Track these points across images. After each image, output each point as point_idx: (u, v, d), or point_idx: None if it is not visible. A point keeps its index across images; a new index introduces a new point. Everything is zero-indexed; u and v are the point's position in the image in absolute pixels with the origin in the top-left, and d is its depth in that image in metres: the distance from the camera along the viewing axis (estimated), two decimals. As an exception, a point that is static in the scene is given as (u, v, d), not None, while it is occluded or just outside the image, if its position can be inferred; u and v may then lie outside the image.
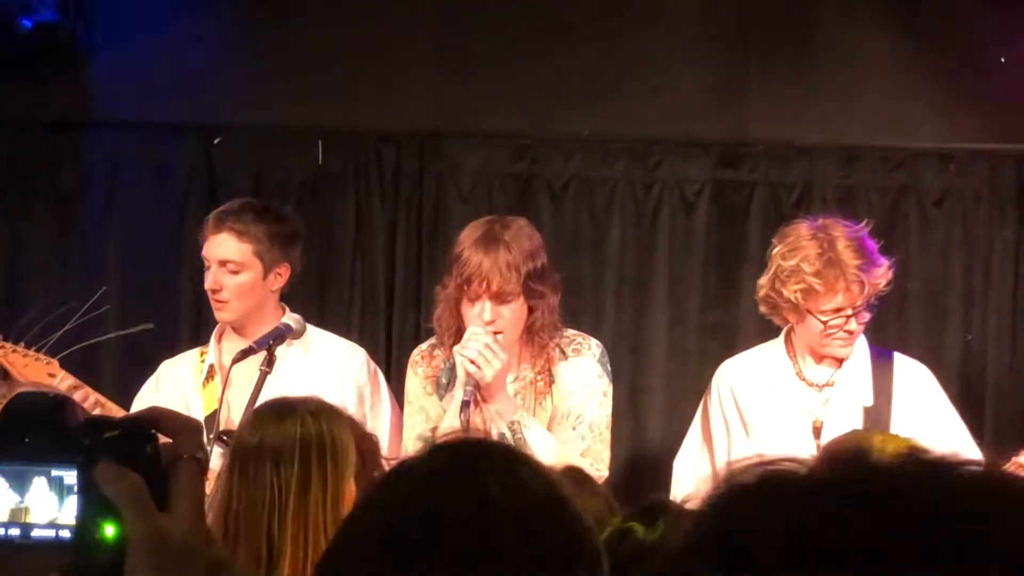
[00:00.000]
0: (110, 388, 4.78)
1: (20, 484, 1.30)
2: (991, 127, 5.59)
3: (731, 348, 4.94)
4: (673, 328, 5.66)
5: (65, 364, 4.50)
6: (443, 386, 4.38)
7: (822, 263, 4.24)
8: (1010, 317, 5.61)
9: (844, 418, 4.31)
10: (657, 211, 5.70)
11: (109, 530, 1.27)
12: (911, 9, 5.66)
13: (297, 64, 5.76)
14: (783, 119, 5.68)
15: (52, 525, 1.30)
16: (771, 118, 5.68)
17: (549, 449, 4.11)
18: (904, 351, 4.61)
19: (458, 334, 4.22)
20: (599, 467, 4.26)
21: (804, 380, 4.44)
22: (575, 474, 3.28)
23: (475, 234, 4.21)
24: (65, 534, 1.29)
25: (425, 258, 5.70)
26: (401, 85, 5.75)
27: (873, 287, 4.28)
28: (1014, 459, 4.22)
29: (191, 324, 5.60)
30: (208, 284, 4.44)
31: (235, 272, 4.41)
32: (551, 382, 4.32)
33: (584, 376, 4.32)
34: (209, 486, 3.00)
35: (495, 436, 3.99)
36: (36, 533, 1.30)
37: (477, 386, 4.13)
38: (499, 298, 4.17)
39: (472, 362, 4.10)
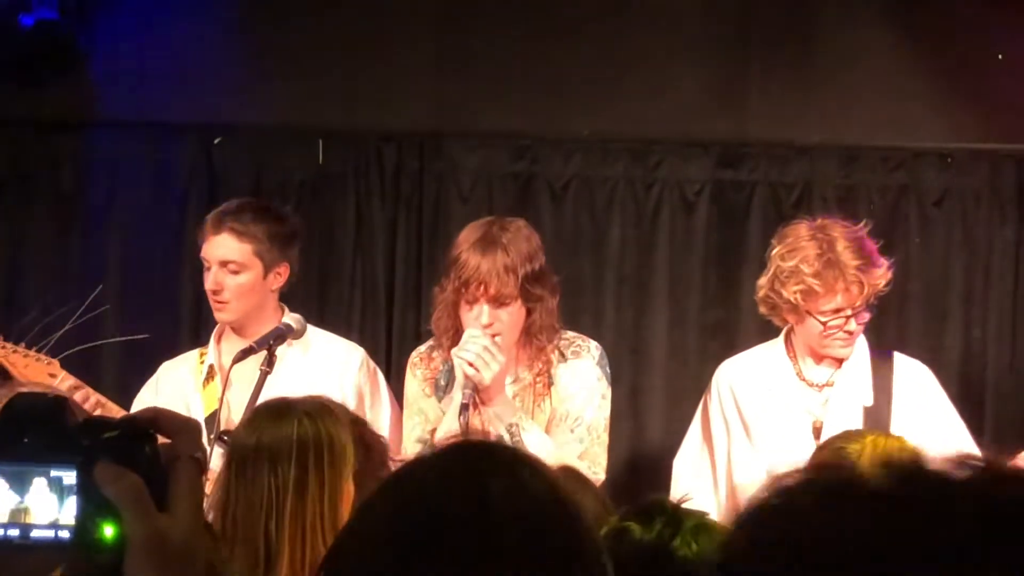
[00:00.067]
0: (110, 388, 4.78)
1: (20, 484, 1.30)
2: (991, 127, 5.59)
3: (731, 348, 4.94)
4: (673, 328, 5.66)
5: (66, 364, 4.49)
6: (441, 388, 4.37)
7: (821, 264, 4.23)
8: (1010, 317, 5.60)
9: (844, 418, 4.30)
10: (657, 211, 5.70)
11: (108, 530, 1.27)
12: (911, 9, 5.66)
13: (297, 64, 5.76)
14: (783, 119, 5.68)
15: (52, 525, 1.30)
16: (771, 118, 5.68)
17: (546, 452, 4.09)
18: (904, 351, 4.60)
19: (456, 336, 4.21)
20: (596, 470, 4.25)
21: (804, 380, 4.44)
22: (571, 474, 3.28)
23: (473, 236, 4.20)
24: (65, 534, 1.29)
25: (425, 258, 5.70)
26: (401, 85, 5.75)
27: (872, 287, 4.27)
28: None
29: (191, 324, 5.59)
30: (208, 285, 4.44)
31: (235, 272, 4.41)
32: (550, 384, 4.31)
33: (583, 378, 4.31)
34: (209, 486, 3.00)
35: (493, 438, 3.98)
36: (36, 533, 1.30)
37: (476, 389, 4.12)
38: (497, 301, 4.16)
39: (471, 365, 4.09)
